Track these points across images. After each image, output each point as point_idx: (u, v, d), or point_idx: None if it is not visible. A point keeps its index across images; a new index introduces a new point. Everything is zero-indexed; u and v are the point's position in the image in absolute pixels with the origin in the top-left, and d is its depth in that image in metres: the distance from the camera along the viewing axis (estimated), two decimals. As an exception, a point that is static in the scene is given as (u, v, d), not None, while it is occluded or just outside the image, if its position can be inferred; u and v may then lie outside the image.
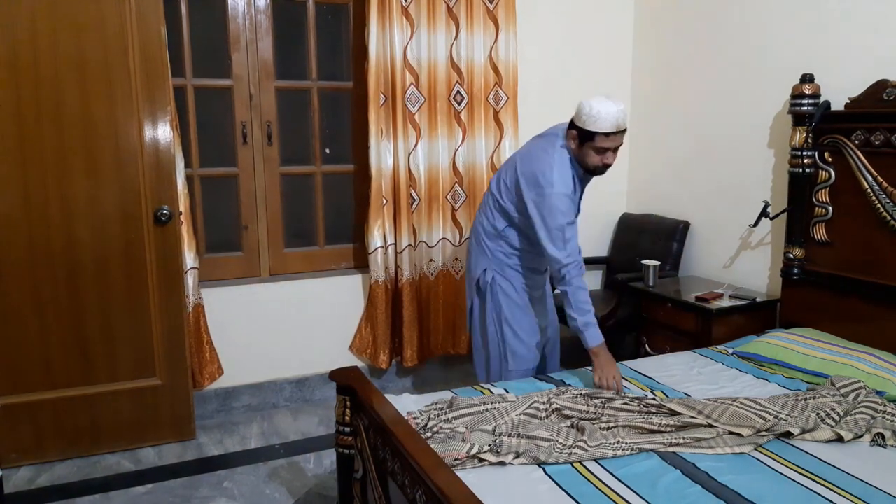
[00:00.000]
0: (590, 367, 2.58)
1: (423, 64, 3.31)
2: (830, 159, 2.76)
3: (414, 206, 3.38)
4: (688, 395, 2.29)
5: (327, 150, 3.50)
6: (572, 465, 1.82)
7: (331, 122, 3.50)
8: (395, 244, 3.37)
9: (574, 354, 3.97)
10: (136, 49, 2.70)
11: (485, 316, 2.70)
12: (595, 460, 1.84)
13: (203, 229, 3.28)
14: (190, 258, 3.01)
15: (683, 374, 2.49)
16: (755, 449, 1.91)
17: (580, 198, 2.55)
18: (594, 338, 2.38)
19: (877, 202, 2.59)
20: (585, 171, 2.47)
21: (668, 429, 1.95)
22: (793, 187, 2.87)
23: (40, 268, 2.70)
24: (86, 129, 2.68)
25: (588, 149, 2.37)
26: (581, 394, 2.17)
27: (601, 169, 2.43)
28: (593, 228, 3.97)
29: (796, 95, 2.79)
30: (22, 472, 2.73)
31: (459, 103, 3.42)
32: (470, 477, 1.68)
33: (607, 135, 2.32)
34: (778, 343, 2.57)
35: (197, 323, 3.10)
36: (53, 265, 2.71)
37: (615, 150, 2.39)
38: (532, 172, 2.43)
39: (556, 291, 2.52)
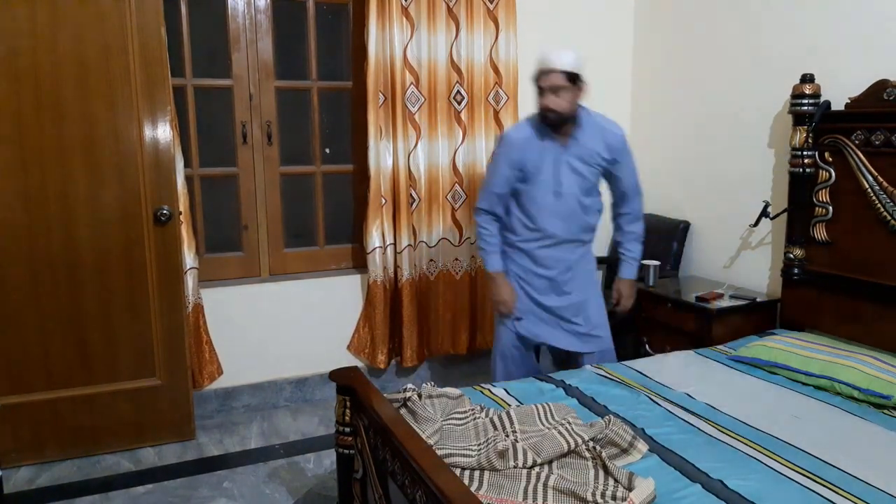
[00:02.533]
0: (590, 367, 2.58)
1: (423, 64, 3.31)
2: (831, 159, 2.76)
3: (414, 206, 3.38)
4: (689, 396, 2.29)
5: (327, 150, 3.50)
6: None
7: (331, 122, 3.50)
8: (395, 244, 3.37)
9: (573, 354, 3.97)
10: (136, 49, 2.70)
11: None
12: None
13: (203, 229, 3.28)
14: (190, 258, 3.01)
15: (683, 374, 2.49)
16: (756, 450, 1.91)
17: (559, 168, 2.66)
18: (489, 264, 2.73)
19: (877, 202, 2.59)
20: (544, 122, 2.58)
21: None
22: (793, 187, 2.87)
23: (40, 268, 2.70)
24: (85, 128, 2.68)
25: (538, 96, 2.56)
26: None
27: (544, 113, 2.54)
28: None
29: (796, 95, 2.79)
30: (22, 472, 2.72)
31: (459, 103, 3.42)
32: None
33: (539, 76, 2.51)
34: (777, 346, 2.56)
35: (197, 323, 3.10)
36: (53, 265, 2.71)
37: (552, 91, 2.49)
38: None
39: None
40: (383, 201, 3.30)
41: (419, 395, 2.05)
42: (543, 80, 2.50)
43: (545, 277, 2.70)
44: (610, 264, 3.95)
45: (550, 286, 2.71)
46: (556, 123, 2.55)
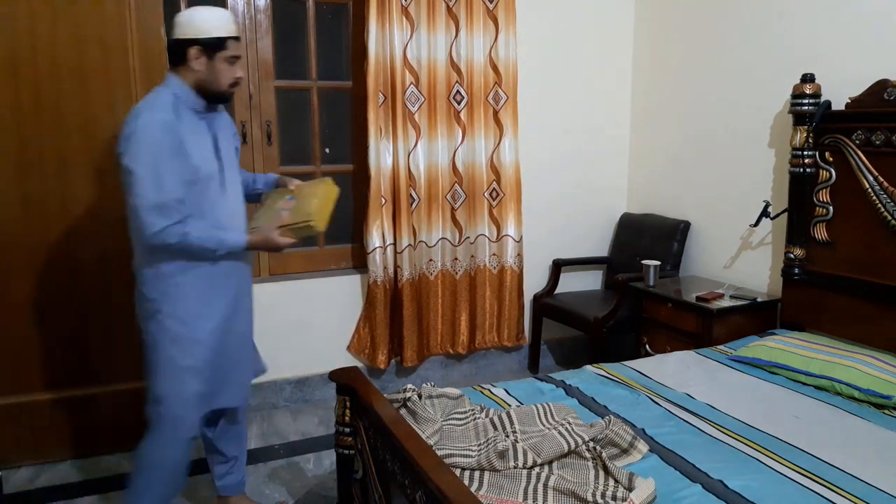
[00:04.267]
0: (590, 367, 2.58)
1: (422, 63, 3.31)
2: (831, 159, 2.76)
3: (413, 205, 3.38)
4: (689, 396, 2.28)
5: (327, 150, 3.49)
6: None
7: (330, 122, 3.50)
8: (395, 244, 3.36)
9: (575, 354, 3.98)
10: (136, 49, 2.70)
11: None
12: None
13: (203, 229, 3.27)
14: (190, 258, 3.00)
15: (683, 374, 2.49)
16: (757, 451, 1.91)
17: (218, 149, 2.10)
18: (237, 241, 2.07)
19: (877, 202, 2.59)
20: (215, 97, 2.07)
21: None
22: (793, 187, 2.87)
23: (40, 268, 2.70)
24: (85, 129, 2.68)
25: (223, 61, 2.02)
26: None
27: (235, 84, 2.08)
28: (593, 228, 3.98)
29: (797, 95, 2.79)
30: (22, 472, 2.72)
31: (459, 103, 3.42)
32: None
33: (237, 39, 2.05)
34: (778, 347, 2.56)
35: (197, 323, 3.09)
36: (53, 266, 2.71)
37: (238, 61, 2.06)
38: (123, 129, 1.96)
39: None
40: (383, 201, 3.30)
41: (419, 396, 2.05)
42: (236, 49, 2.04)
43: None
44: (610, 264, 3.96)
45: None
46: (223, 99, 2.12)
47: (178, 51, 2.01)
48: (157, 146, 1.92)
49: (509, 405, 2.19)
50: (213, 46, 2.00)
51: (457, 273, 3.54)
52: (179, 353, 2.04)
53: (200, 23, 1.99)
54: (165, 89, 2.03)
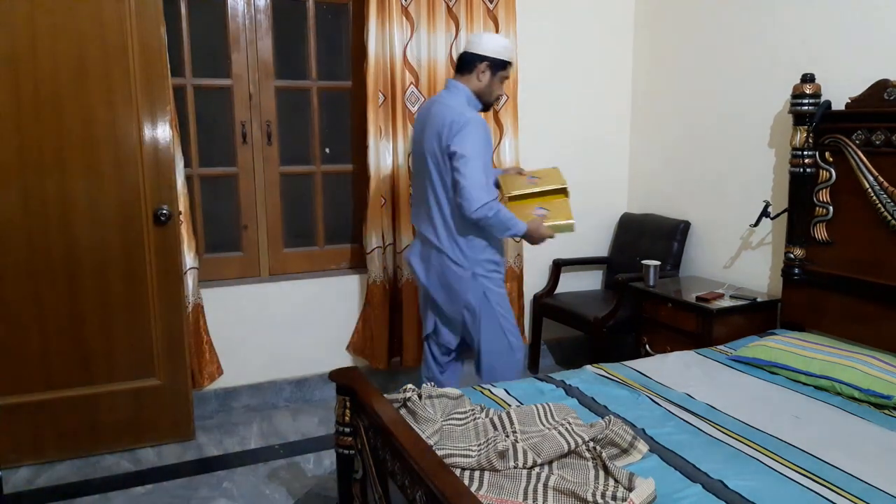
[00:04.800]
0: (590, 368, 2.58)
1: (422, 63, 3.31)
2: (831, 159, 2.76)
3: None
4: (689, 396, 2.28)
5: (327, 150, 3.49)
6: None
7: (330, 122, 3.50)
8: (395, 244, 3.36)
9: (575, 354, 3.98)
10: (136, 49, 2.69)
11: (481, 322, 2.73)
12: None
13: (203, 229, 3.28)
14: (189, 258, 3.00)
15: (683, 374, 2.49)
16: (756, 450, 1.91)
17: None
18: (521, 226, 2.59)
19: (877, 202, 2.59)
20: (485, 107, 2.66)
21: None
22: (793, 187, 2.87)
23: (40, 268, 2.69)
24: (85, 129, 2.68)
25: (500, 77, 2.60)
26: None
27: (498, 99, 2.74)
28: (593, 228, 3.97)
29: (797, 95, 2.79)
30: (22, 472, 2.72)
31: (459, 103, 3.41)
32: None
33: (506, 66, 2.62)
34: (778, 347, 2.56)
35: (196, 323, 3.09)
36: (53, 265, 2.71)
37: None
38: (452, 122, 2.48)
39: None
40: (383, 201, 3.30)
41: (419, 396, 2.05)
42: (509, 72, 2.65)
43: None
44: (610, 264, 3.96)
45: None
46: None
47: (470, 62, 2.58)
48: (483, 137, 2.49)
49: (509, 405, 2.19)
50: (498, 66, 2.57)
51: (457, 273, 3.54)
52: (506, 306, 2.76)
53: (494, 45, 2.57)
54: (460, 93, 2.58)
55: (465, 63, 2.60)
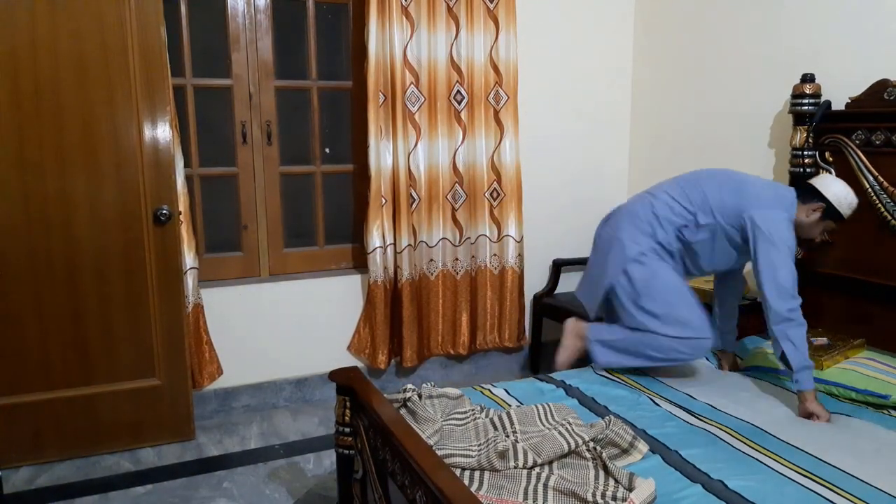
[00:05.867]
0: (591, 365, 2.58)
1: (423, 63, 3.30)
2: (831, 159, 2.76)
3: (414, 205, 3.38)
4: (690, 396, 2.28)
5: (327, 150, 3.49)
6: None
7: (330, 122, 3.50)
8: (395, 244, 3.36)
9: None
10: (136, 49, 2.69)
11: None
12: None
13: (203, 229, 3.28)
14: (189, 258, 3.00)
15: (684, 374, 2.49)
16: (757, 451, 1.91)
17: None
18: (810, 381, 2.23)
19: (877, 202, 2.59)
20: (800, 241, 2.47)
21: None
22: (793, 187, 2.86)
23: (40, 268, 2.69)
24: (85, 128, 2.68)
25: (825, 225, 2.43)
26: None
27: (811, 243, 2.53)
28: (593, 228, 3.96)
29: (797, 95, 2.79)
30: (22, 472, 2.72)
31: (459, 103, 3.41)
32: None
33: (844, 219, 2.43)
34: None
35: (196, 323, 3.09)
36: (53, 265, 2.71)
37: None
38: (769, 227, 2.34)
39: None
40: (383, 201, 3.30)
41: (419, 396, 2.05)
42: (837, 226, 2.46)
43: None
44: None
45: None
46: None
47: (813, 196, 2.40)
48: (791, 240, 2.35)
49: (509, 405, 2.19)
50: (833, 215, 2.40)
51: (457, 273, 3.54)
52: None
53: (840, 195, 2.39)
54: (790, 207, 2.41)
55: (809, 193, 2.42)
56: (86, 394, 2.81)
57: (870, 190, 2.61)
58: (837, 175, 2.73)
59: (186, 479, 2.67)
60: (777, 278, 2.28)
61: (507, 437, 1.88)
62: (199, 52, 3.16)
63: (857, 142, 2.65)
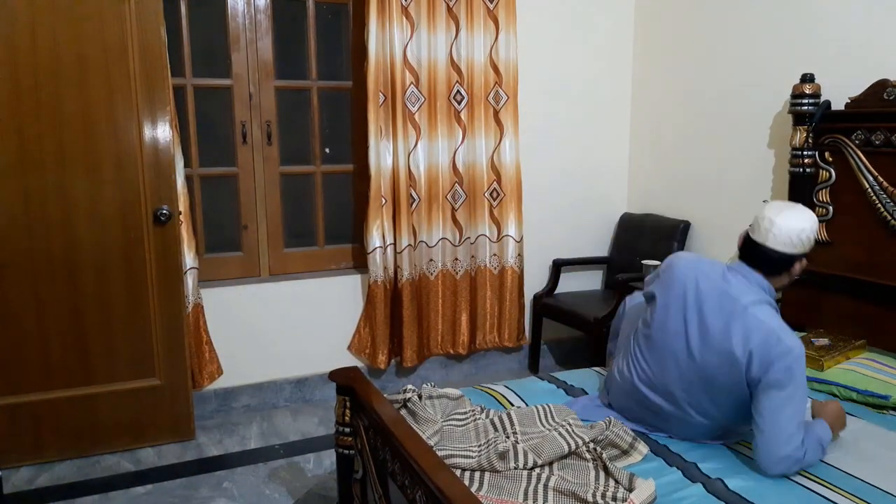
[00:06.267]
0: (593, 368, 2.58)
1: (422, 63, 3.30)
2: (831, 159, 2.76)
3: (414, 205, 3.38)
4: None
5: (327, 150, 3.49)
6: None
7: (330, 122, 3.50)
8: (395, 244, 3.36)
9: (575, 354, 3.98)
10: (136, 49, 2.69)
11: None
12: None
13: (203, 229, 3.28)
14: (189, 258, 3.00)
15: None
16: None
17: None
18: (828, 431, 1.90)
19: (877, 202, 2.59)
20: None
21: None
22: (793, 187, 2.87)
23: (40, 268, 2.69)
24: (85, 128, 2.68)
25: (794, 271, 1.99)
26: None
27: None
28: (593, 228, 3.98)
29: (796, 95, 2.79)
30: (22, 472, 2.72)
31: (459, 103, 3.41)
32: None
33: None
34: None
35: (196, 323, 3.09)
36: (53, 265, 2.71)
37: None
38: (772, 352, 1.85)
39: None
40: (383, 201, 3.30)
41: (419, 396, 2.05)
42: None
43: None
44: (610, 264, 3.96)
45: None
46: None
47: (787, 263, 1.94)
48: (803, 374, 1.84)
49: (511, 405, 2.19)
50: (806, 256, 1.95)
51: (457, 273, 3.54)
52: None
53: (811, 237, 1.92)
54: (767, 298, 1.96)
55: (780, 264, 1.95)
56: (86, 394, 2.81)
57: (869, 190, 2.61)
58: (837, 175, 2.73)
59: (186, 479, 2.67)
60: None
61: (508, 437, 1.88)
62: (199, 52, 3.16)
63: (857, 142, 2.65)
